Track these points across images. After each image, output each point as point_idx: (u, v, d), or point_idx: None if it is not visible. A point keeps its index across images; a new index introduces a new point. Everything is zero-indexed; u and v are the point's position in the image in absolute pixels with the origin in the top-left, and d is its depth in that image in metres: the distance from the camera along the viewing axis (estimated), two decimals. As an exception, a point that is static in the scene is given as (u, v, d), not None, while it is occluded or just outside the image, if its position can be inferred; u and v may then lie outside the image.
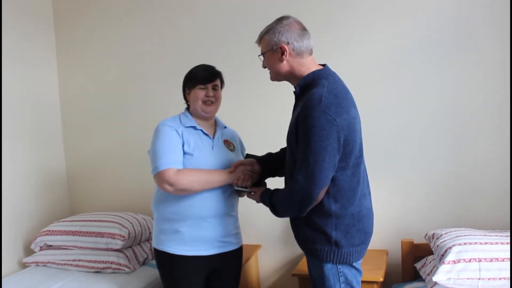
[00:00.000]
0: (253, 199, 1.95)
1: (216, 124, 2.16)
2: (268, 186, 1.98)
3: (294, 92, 1.79)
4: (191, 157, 1.97)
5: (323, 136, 1.58)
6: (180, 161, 1.95)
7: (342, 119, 1.61)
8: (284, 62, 1.74)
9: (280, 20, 1.76)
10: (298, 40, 1.72)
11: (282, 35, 1.72)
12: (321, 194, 1.65)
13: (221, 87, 2.12)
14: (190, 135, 2.02)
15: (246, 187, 1.96)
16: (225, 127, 2.19)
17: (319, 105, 1.59)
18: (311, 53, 1.77)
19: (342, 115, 1.62)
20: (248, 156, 2.10)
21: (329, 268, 1.73)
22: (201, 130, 2.05)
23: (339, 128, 1.60)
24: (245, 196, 2.02)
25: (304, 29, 1.76)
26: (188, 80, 2.09)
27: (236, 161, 2.02)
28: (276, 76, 1.81)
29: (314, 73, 1.73)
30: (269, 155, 2.07)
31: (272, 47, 1.74)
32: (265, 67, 1.84)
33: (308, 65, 1.75)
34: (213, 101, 2.05)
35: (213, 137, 2.08)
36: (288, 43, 1.72)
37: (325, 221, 1.71)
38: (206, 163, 1.99)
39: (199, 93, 2.03)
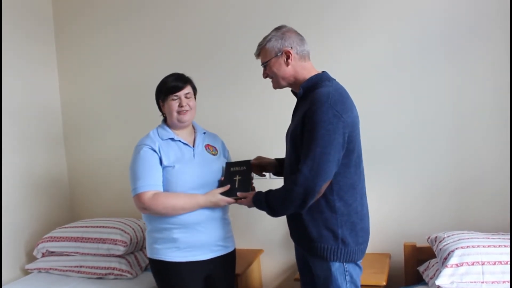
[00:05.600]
0: (244, 204, 1.94)
1: (195, 130, 2.16)
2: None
3: (297, 94, 1.84)
4: (172, 169, 1.98)
5: (330, 131, 1.63)
6: (159, 183, 1.96)
7: (347, 116, 1.68)
8: (289, 66, 1.80)
9: (279, 28, 1.85)
10: (300, 44, 1.82)
11: (285, 41, 1.80)
12: (323, 188, 1.68)
13: (194, 94, 2.12)
14: (169, 148, 2.02)
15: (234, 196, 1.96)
16: (204, 132, 2.19)
17: (327, 101, 1.66)
18: (309, 57, 1.86)
19: (347, 112, 1.69)
20: (227, 164, 2.08)
21: (336, 267, 1.74)
22: (180, 140, 2.06)
23: (345, 124, 1.66)
24: (235, 203, 1.99)
25: (301, 36, 1.85)
26: (159, 92, 2.09)
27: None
28: (281, 82, 1.85)
29: (317, 76, 1.81)
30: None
31: (275, 54, 1.81)
32: (266, 77, 1.89)
33: (309, 69, 1.84)
34: (188, 110, 2.05)
35: (193, 145, 2.08)
36: (291, 48, 1.80)
37: (330, 218, 1.73)
38: (188, 173, 1.99)
39: (172, 104, 2.03)
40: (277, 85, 1.88)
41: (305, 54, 1.82)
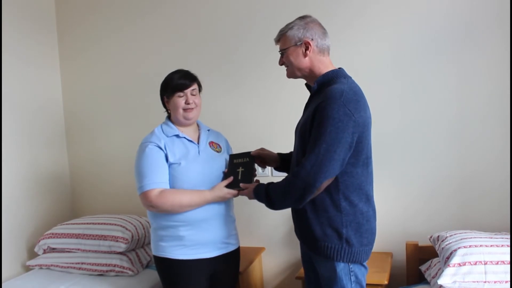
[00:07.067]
0: (245, 195, 1.93)
1: (199, 128, 2.15)
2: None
3: (311, 88, 1.82)
4: (178, 166, 1.97)
5: (339, 129, 1.60)
6: (165, 180, 1.95)
7: (359, 116, 1.65)
8: (307, 58, 1.78)
9: (303, 17, 1.82)
10: (321, 37, 1.79)
11: (307, 31, 1.77)
12: (324, 185, 1.66)
13: (199, 91, 2.11)
14: (174, 145, 2.01)
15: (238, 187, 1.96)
16: (208, 130, 2.18)
17: (340, 99, 1.63)
18: (329, 53, 1.83)
19: (359, 112, 1.66)
20: (231, 156, 2.09)
21: (341, 267, 1.73)
22: (185, 137, 2.05)
23: (356, 124, 1.63)
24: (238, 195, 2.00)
25: (324, 29, 1.82)
26: (165, 89, 2.07)
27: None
28: (296, 72, 1.82)
29: (333, 71, 1.78)
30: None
31: (295, 43, 1.78)
32: (281, 64, 1.86)
33: (327, 64, 1.81)
34: (194, 107, 2.04)
35: (198, 142, 2.08)
36: (312, 39, 1.77)
37: (335, 217, 1.71)
38: (194, 170, 1.98)
39: (178, 101, 2.02)
40: (291, 74, 1.85)
41: (324, 48, 1.79)
